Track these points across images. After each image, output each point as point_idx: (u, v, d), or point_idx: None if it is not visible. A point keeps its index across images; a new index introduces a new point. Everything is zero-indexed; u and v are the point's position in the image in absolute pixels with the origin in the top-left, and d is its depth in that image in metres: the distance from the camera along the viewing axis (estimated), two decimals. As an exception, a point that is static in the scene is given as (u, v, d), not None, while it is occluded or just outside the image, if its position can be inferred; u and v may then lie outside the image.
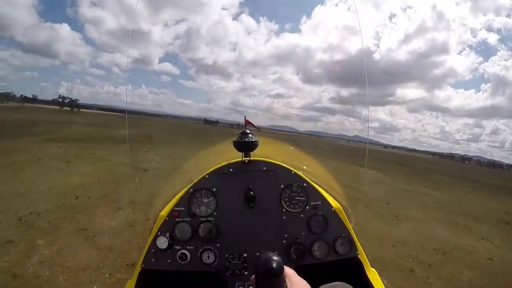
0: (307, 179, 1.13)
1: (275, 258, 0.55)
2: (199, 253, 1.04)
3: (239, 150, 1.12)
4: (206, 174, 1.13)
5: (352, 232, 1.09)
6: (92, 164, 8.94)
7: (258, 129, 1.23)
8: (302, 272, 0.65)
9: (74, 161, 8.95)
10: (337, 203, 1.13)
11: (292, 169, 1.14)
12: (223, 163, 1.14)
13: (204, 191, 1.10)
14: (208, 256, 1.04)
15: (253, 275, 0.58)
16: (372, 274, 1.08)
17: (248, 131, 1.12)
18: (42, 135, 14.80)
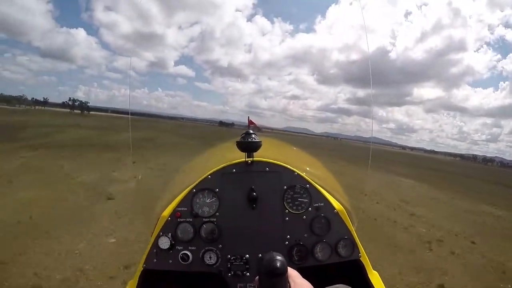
0: (310, 180, 1.13)
1: (279, 258, 0.56)
2: (201, 254, 1.04)
3: (242, 150, 1.12)
4: (209, 175, 1.12)
5: (354, 234, 1.09)
6: (44, 185, 6.37)
7: (260, 130, 1.23)
8: (304, 274, 0.65)
9: (19, 181, 6.43)
10: (340, 205, 1.13)
11: (295, 170, 1.13)
12: (226, 164, 1.14)
13: (206, 191, 1.10)
14: (210, 257, 1.03)
15: (257, 276, 0.59)
16: (374, 277, 1.07)
17: (251, 131, 1.12)
18: (22, 140, 13.05)
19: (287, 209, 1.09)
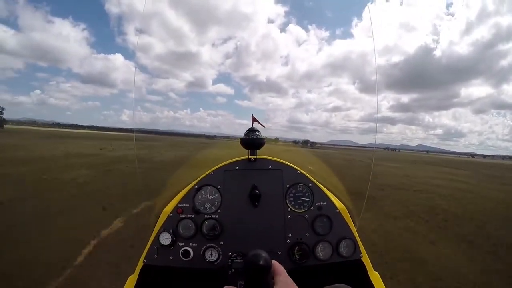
0: (313, 179, 1.13)
1: (263, 254, 0.57)
2: (202, 250, 1.04)
3: (246, 147, 1.12)
4: (212, 171, 1.12)
5: (356, 234, 1.09)
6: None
7: (264, 126, 1.23)
8: (305, 273, 0.65)
9: None
10: (342, 204, 1.13)
11: (298, 168, 1.13)
12: (229, 160, 1.14)
13: (209, 188, 1.10)
14: (211, 254, 1.03)
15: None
16: (375, 277, 1.07)
17: (255, 128, 1.12)
18: None
19: (289, 208, 1.08)
